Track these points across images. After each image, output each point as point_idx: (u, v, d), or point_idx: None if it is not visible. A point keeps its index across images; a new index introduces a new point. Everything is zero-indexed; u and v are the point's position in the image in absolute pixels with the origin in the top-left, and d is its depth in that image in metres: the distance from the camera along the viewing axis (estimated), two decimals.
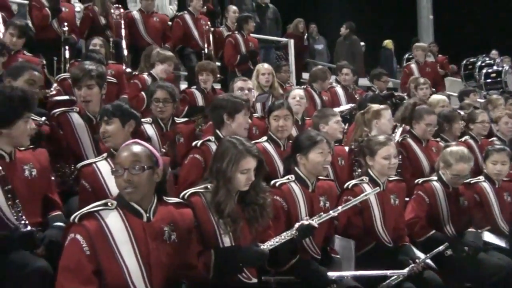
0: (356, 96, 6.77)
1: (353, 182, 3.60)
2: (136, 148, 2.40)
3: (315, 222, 2.97)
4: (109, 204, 2.36)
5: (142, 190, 2.37)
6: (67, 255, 2.26)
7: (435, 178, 3.95)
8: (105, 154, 3.21)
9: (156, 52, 5.48)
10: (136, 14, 6.84)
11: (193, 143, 3.69)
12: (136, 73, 5.36)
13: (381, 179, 3.58)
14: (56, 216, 2.93)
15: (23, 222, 2.64)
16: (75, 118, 3.70)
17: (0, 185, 2.67)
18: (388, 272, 3.18)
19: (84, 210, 2.32)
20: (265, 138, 4.02)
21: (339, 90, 6.86)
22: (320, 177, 3.41)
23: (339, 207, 3.10)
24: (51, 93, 4.53)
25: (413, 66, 8.68)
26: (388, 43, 11.55)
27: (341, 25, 10.11)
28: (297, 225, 2.92)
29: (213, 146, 3.58)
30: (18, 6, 6.99)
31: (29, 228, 2.63)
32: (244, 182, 2.72)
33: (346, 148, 4.40)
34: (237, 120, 3.61)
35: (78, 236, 2.24)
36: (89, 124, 3.70)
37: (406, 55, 10.82)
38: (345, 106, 6.33)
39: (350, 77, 7.00)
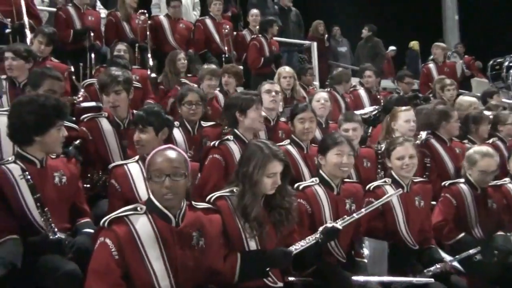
0: (380, 98, 6.70)
1: (375, 184, 3.58)
2: (175, 155, 2.41)
3: (339, 225, 2.94)
4: (138, 208, 2.38)
5: (180, 196, 2.41)
6: (96, 258, 2.29)
7: (463, 180, 3.89)
8: (136, 157, 3.26)
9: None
10: (163, 20, 6.90)
11: (211, 143, 3.71)
12: (183, 80, 5.43)
13: (404, 180, 3.55)
14: (85, 223, 2.97)
15: (51, 229, 2.69)
16: (104, 123, 3.76)
17: (30, 193, 2.72)
18: (414, 280, 3.12)
19: (114, 214, 2.34)
20: (288, 141, 4.02)
21: (362, 92, 6.81)
22: (346, 180, 3.38)
23: (363, 209, 3.07)
24: (78, 100, 4.61)
25: (431, 66, 8.56)
26: (414, 44, 11.44)
27: (364, 27, 10.06)
28: (321, 228, 2.90)
29: (232, 145, 3.62)
30: (49, 13, 7.13)
31: (57, 236, 2.69)
32: (271, 186, 2.71)
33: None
34: (249, 115, 3.64)
35: (108, 240, 2.27)
36: (116, 129, 3.76)
37: (432, 56, 10.68)
38: (368, 109, 6.28)
39: (373, 79, 6.93)
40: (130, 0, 6.61)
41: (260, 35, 7.31)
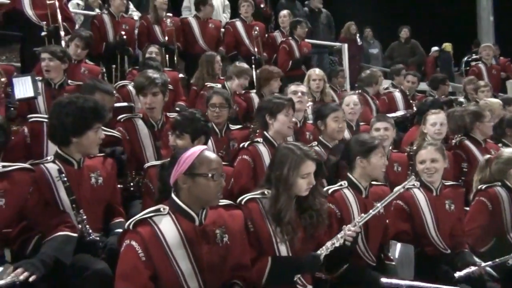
0: (412, 103, 6.61)
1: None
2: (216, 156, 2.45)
3: (357, 225, 2.88)
4: (161, 209, 2.40)
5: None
6: (123, 261, 2.30)
7: (499, 183, 3.79)
8: None
9: (233, 66, 5.51)
10: (192, 21, 6.95)
11: (241, 144, 3.74)
12: (210, 85, 5.42)
13: (433, 184, 3.52)
14: (118, 223, 3.01)
15: (86, 231, 2.74)
16: (140, 124, 3.83)
17: (67, 195, 2.78)
18: None
19: (138, 216, 2.36)
20: (315, 143, 4.04)
21: (397, 95, 6.72)
22: (374, 183, 3.36)
23: (378, 204, 3.01)
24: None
25: (482, 66, 8.36)
26: (447, 46, 11.24)
27: (396, 29, 9.94)
28: (342, 233, 2.83)
29: (261, 147, 3.65)
30: (84, 16, 7.29)
31: (92, 237, 2.75)
32: (306, 186, 2.71)
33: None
34: (279, 119, 3.67)
35: (133, 243, 2.29)
36: (151, 130, 3.82)
37: (465, 58, 10.50)
38: (400, 112, 6.23)
39: (415, 85, 6.86)
40: (160, 3, 6.70)
41: (290, 37, 7.31)
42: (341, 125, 3.98)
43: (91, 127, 2.85)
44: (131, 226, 2.32)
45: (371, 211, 2.96)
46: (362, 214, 2.98)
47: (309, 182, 2.71)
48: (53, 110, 2.91)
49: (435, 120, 4.46)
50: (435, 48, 11.03)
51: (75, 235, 2.69)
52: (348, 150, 3.34)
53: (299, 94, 4.65)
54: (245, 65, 5.65)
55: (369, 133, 4.18)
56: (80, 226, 2.76)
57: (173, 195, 2.43)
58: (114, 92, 3.99)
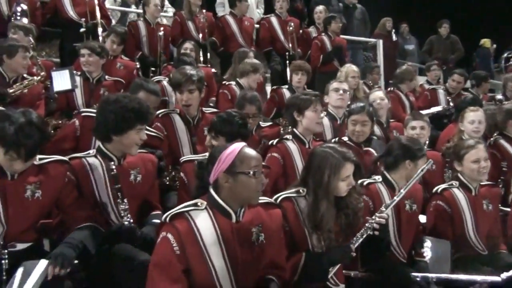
0: (449, 99, 6.50)
1: (443, 186, 3.50)
2: None
3: (384, 212, 2.84)
4: (199, 204, 2.39)
5: None
6: (158, 252, 2.32)
7: None
8: (207, 154, 3.28)
9: (246, 62, 5.50)
10: (229, 19, 6.97)
11: (270, 142, 3.74)
12: (225, 82, 5.45)
13: (472, 183, 3.46)
14: (154, 215, 3.04)
15: (127, 218, 2.80)
16: (177, 119, 3.86)
17: (110, 184, 2.83)
18: (478, 278, 2.97)
19: (175, 210, 2.37)
20: (346, 138, 4.00)
21: (441, 92, 6.62)
22: None
23: (402, 190, 2.96)
24: None
25: None
26: (485, 42, 10.97)
27: (433, 24, 9.74)
28: (370, 221, 2.80)
29: (290, 144, 3.65)
30: (121, 13, 7.42)
31: (132, 224, 2.80)
32: (346, 188, 2.68)
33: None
34: (306, 115, 3.66)
35: (169, 235, 2.29)
36: (187, 126, 3.85)
37: (505, 54, 10.23)
38: (435, 108, 6.12)
39: (461, 85, 6.73)
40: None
41: (323, 33, 7.26)
42: (358, 129, 3.90)
43: (132, 127, 2.86)
44: (168, 219, 2.34)
45: (395, 197, 2.93)
46: (387, 202, 2.96)
47: (349, 184, 2.68)
48: (99, 106, 2.96)
49: (473, 118, 4.37)
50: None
51: (101, 229, 2.74)
52: (394, 151, 3.28)
53: (341, 91, 4.60)
54: (257, 61, 5.62)
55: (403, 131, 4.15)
56: (122, 214, 2.81)
57: (211, 191, 2.41)
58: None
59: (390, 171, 3.26)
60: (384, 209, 2.85)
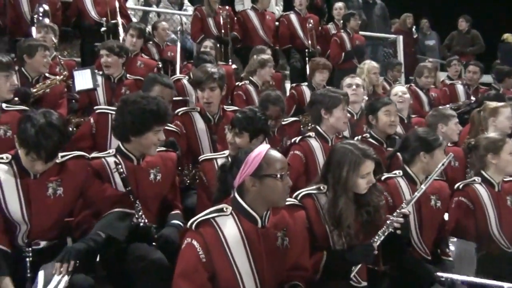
0: (473, 95, 6.41)
1: (465, 182, 3.46)
2: None
3: (404, 208, 2.79)
4: (224, 209, 2.38)
5: None
6: (183, 259, 2.30)
7: None
8: (226, 152, 3.31)
9: (253, 59, 5.49)
10: (251, 13, 6.95)
11: (292, 139, 3.72)
12: (239, 83, 5.43)
13: (496, 179, 3.42)
14: (174, 215, 3.05)
15: (142, 220, 2.80)
16: (197, 117, 3.87)
17: (123, 186, 2.84)
18: (506, 286, 2.85)
19: (201, 216, 2.35)
20: (368, 135, 3.97)
21: (459, 87, 6.54)
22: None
23: (422, 186, 2.91)
24: None
25: None
26: (508, 36, 10.73)
27: (454, 19, 9.60)
28: (391, 219, 2.76)
29: (313, 142, 3.62)
30: (143, 12, 7.48)
31: (146, 223, 2.80)
32: (365, 186, 2.65)
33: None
34: (335, 114, 3.61)
35: (195, 242, 2.27)
36: (208, 124, 3.86)
37: None
38: (456, 104, 6.04)
39: (478, 76, 6.64)
40: None
41: (342, 30, 7.22)
42: (393, 119, 3.89)
43: (150, 129, 2.86)
44: (193, 226, 2.31)
45: (416, 193, 2.88)
46: (408, 198, 2.93)
47: (369, 181, 2.65)
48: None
49: (509, 114, 4.27)
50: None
51: (132, 211, 2.75)
52: (410, 143, 3.26)
53: (354, 86, 4.60)
54: (266, 55, 5.58)
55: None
56: (136, 216, 2.82)
57: (236, 196, 2.39)
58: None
59: (409, 165, 3.23)
60: (405, 206, 2.81)
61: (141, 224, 2.80)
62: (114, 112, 3.44)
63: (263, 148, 2.38)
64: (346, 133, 4.23)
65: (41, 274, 2.41)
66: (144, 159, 3.00)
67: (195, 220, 2.33)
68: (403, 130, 4.57)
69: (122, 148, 2.97)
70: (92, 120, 3.58)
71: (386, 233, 2.69)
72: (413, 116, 4.91)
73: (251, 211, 2.36)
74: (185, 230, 2.38)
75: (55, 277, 2.37)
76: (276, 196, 2.36)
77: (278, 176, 2.33)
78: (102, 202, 2.77)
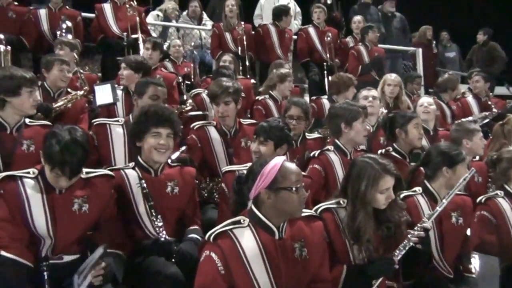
0: (492, 106, 6.30)
1: (487, 196, 3.41)
2: None
3: (425, 224, 2.76)
4: (241, 221, 2.38)
5: None
6: (202, 272, 2.29)
7: None
8: (249, 164, 3.30)
9: (273, 73, 5.52)
10: (271, 28, 6.99)
11: (311, 153, 3.70)
12: (259, 98, 5.46)
13: None
14: (193, 230, 3.06)
15: (163, 235, 2.83)
16: (212, 132, 3.89)
17: (145, 200, 2.87)
18: None
19: (219, 228, 2.35)
20: (390, 148, 3.93)
21: (470, 100, 6.46)
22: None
23: (444, 200, 2.87)
24: (187, 109, 4.82)
25: None
26: None
27: (475, 31, 9.52)
28: (412, 233, 2.73)
29: (332, 156, 3.61)
30: (163, 27, 7.58)
31: (167, 238, 2.83)
32: (384, 201, 2.63)
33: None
34: (354, 128, 3.60)
35: (213, 255, 2.27)
36: (223, 138, 3.87)
37: None
38: (478, 115, 5.95)
39: (481, 84, 6.54)
40: (227, 11, 6.81)
41: (360, 43, 7.21)
42: (421, 131, 3.88)
43: (147, 130, 2.94)
44: (211, 239, 2.31)
45: (437, 207, 2.84)
46: (428, 212, 2.88)
47: (388, 197, 2.62)
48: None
49: None
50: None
51: (124, 256, 2.81)
52: (431, 158, 3.21)
53: (370, 98, 4.57)
54: (285, 70, 5.61)
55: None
56: (157, 230, 2.84)
57: (253, 207, 2.39)
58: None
59: (430, 181, 3.18)
60: (426, 220, 2.78)
61: (162, 239, 2.82)
62: (111, 122, 3.62)
63: (278, 161, 2.38)
64: (363, 146, 4.21)
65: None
66: (162, 171, 3.03)
67: (212, 233, 2.33)
68: (429, 143, 4.51)
69: (140, 160, 3.01)
70: (91, 133, 3.64)
71: (407, 247, 2.66)
72: (440, 129, 4.83)
73: (268, 222, 2.36)
74: (203, 243, 2.38)
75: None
76: (291, 208, 2.36)
77: (294, 189, 2.33)
78: (107, 233, 2.82)
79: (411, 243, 2.67)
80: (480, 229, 3.30)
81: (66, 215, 2.65)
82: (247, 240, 2.33)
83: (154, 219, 2.86)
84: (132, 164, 3.04)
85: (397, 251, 2.64)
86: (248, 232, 2.35)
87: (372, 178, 2.60)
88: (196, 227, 3.09)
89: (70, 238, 2.68)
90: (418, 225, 2.74)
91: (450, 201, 3.13)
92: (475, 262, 3.17)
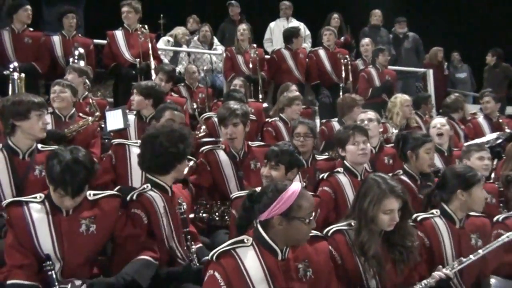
0: (504, 126, 6.25)
1: (504, 215, 3.36)
2: None
3: (451, 271, 2.76)
4: (245, 240, 2.39)
5: None
6: None
7: None
8: (258, 189, 3.32)
9: (282, 97, 5.59)
10: (285, 53, 7.07)
11: (321, 175, 3.71)
12: (269, 120, 5.50)
13: None
14: (201, 249, 3.08)
15: (195, 262, 2.85)
16: (221, 155, 3.92)
17: (172, 222, 2.91)
18: None
19: (222, 248, 2.37)
20: (400, 171, 3.90)
21: (481, 120, 6.42)
22: (472, 213, 3.19)
23: (480, 251, 2.86)
24: (200, 135, 4.86)
25: None
26: None
27: (486, 51, 9.49)
28: (433, 277, 2.72)
29: (342, 177, 3.61)
30: (174, 52, 7.68)
31: (197, 265, 2.84)
32: (388, 222, 2.63)
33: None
34: (347, 150, 3.64)
35: (216, 274, 2.29)
36: (233, 160, 3.89)
37: None
38: (490, 136, 5.90)
39: (492, 105, 6.50)
40: (239, 35, 6.90)
41: (371, 66, 7.23)
42: (432, 156, 3.86)
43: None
44: (214, 258, 2.33)
45: (471, 256, 2.84)
46: (462, 259, 2.84)
47: (392, 219, 2.62)
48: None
49: None
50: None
51: (156, 262, 2.78)
52: (447, 181, 3.17)
53: (366, 122, 4.54)
54: (294, 93, 5.66)
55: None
56: (190, 257, 2.86)
57: (260, 229, 2.40)
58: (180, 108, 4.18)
59: (447, 203, 3.14)
60: (456, 265, 2.78)
61: (197, 267, 2.82)
62: (130, 143, 3.69)
63: (296, 188, 2.38)
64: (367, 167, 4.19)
65: None
66: (173, 190, 3.07)
67: (216, 252, 2.35)
68: (443, 164, 4.48)
69: (156, 180, 3.03)
70: (110, 152, 3.72)
71: (428, 286, 2.66)
72: (455, 149, 4.79)
73: (273, 244, 2.37)
74: (207, 263, 2.39)
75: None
76: (300, 237, 2.38)
77: (307, 220, 2.34)
78: (131, 245, 2.81)
79: (432, 282, 2.68)
80: (499, 250, 3.18)
81: (74, 237, 2.67)
82: (250, 260, 2.34)
83: (190, 245, 2.87)
84: (147, 186, 3.04)
85: (418, 285, 2.65)
86: (251, 252, 2.36)
87: (376, 197, 2.62)
88: (200, 244, 3.14)
89: (78, 259, 2.69)
90: (444, 270, 2.73)
91: (470, 223, 3.14)
92: (493, 286, 3.12)
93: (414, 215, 3.07)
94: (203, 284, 2.35)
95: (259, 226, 2.40)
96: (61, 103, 4.40)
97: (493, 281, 3.14)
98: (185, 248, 2.90)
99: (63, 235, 2.65)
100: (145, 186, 3.03)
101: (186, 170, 3.05)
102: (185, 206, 2.93)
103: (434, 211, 3.16)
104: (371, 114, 4.74)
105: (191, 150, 3.11)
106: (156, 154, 2.97)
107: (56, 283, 2.51)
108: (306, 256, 2.45)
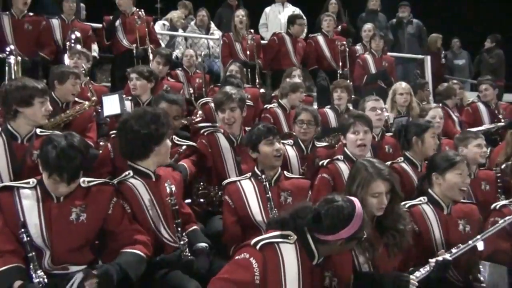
0: (499, 114, 6.27)
1: (502, 203, 3.37)
2: None
3: (450, 255, 2.78)
4: (289, 237, 2.34)
5: None
6: (237, 271, 2.27)
7: None
8: (248, 174, 3.36)
9: (285, 83, 5.60)
10: (286, 38, 7.07)
11: (320, 162, 3.71)
12: (267, 106, 5.50)
13: None
14: (195, 234, 3.07)
15: (186, 253, 2.84)
16: (221, 138, 3.92)
17: (158, 207, 2.89)
18: None
19: (266, 238, 2.33)
20: (401, 158, 3.90)
21: (481, 106, 6.43)
22: (459, 200, 3.22)
23: (478, 236, 2.89)
24: (196, 120, 4.85)
25: None
26: None
27: (486, 38, 9.47)
28: (433, 260, 2.75)
29: (341, 165, 3.61)
30: (170, 37, 7.65)
31: (190, 257, 2.83)
32: (376, 206, 2.65)
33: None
34: (348, 139, 3.64)
35: (253, 261, 2.25)
36: (231, 145, 3.89)
37: None
38: (487, 126, 5.93)
39: (490, 92, 6.49)
40: (236, 21, 6.87)
41: (367, 52, 7.22)
42: (437, 141, 3.89)
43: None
44: (258, 247, 2.28)
45: (470, 241, 2.87)
46: (460, 245, 2.86)
47: (380, 202, 2.64)
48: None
49: None
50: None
51: (145, 257, 2.73)
52: (429, 166, 3.26)
53: (378, 111, 4.46)
54: (297, 80, 5.70)
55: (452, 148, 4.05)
56: (181, 248, 2.85)
57: (308, 236, 2.35)
58: (180, 101, 4.07)
59: (431, 188, 3.18)
60: (454, 251, 2.80)
61: (188, 258, 2.83)
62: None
63: (359, 209, 2.34)
64: (369, 155, 4.20)
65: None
66: (159, 174, 3.03)
67: (259, 241, 2.30)
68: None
69: (138, 166, 2.99)
70: (109, 145, 3.66)
71: (422, 276, 2.68)
72: (444, 137, 4.85)
73: (315, 251, 2.35)
74: (246, 244, 2.35)
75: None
76: (341, 253, 2.42)
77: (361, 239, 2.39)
78: (123, 235, 2.77)
79: (429, 270, 2.70)
80: (494, 237, 3.21)
81: (63, 224, 2.63)
82: (290, 258, 2.31)
83: (180, 237, 2.86)
84: (129, 173, 3.00)
85: (418, 273, 2.67)
86: (292, 250, 2.32)
87: (363, 180, 2.66)
88: (195, 226, 3.13)
89: (67, 247, 2.64)
90: (444, 256, 2.76)
91: (457, 209, 3.17)
92: (484, 272, 3.15)
93: (403, 202, 3.08)
94: (235, 261, 2.30)
95: (307, 234, 2.35)
96: (75, 96, 4.41)
97: (483, 266, 3.15)
98: (177, 234, 2.87)
99: (52, 222, 2.62)
100: (126, 173, 3.00)
101: (168, 154, 3.00)
102: (174, 199, 2.85)
103: (421, 198, 3.19)
104: (383, 103, 4.66)
105: (168, 131, 3.01)
106: (129, 138, 2.93)
107: (29, 249, 2.47)
108: (331, 266, 2.44)
